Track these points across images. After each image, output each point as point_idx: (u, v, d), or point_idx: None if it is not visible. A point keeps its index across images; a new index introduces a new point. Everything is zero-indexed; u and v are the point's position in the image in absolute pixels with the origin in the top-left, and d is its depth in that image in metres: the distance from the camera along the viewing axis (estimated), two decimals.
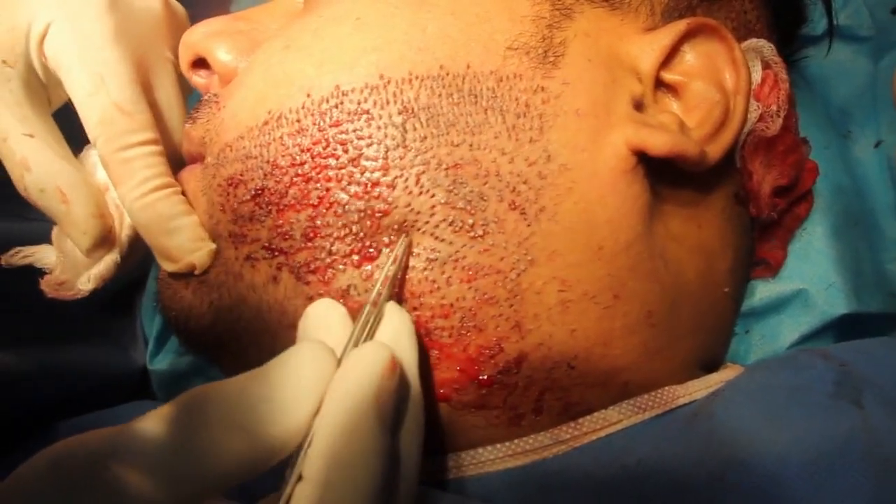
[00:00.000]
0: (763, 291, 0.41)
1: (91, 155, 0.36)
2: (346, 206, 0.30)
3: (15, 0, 0.34)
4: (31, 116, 0.34)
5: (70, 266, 0.36)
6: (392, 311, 0.28)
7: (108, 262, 0.36)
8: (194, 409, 0.23)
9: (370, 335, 0.27)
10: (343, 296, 0.30)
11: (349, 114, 0.31)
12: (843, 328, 0.41)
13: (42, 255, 0.37)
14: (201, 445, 0.22)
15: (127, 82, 0.34)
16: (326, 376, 0.24)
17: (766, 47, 0.36)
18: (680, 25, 0.33)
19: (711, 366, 0.36)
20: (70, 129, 0.35)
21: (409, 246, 0.30)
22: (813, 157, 0.41)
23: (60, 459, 0.22)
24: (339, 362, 0.25)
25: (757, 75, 0.36)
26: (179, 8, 0.40)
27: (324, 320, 0.28)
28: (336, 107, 0.31)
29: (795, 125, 0.38)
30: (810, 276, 0.40)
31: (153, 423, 0.23)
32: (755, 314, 0.41)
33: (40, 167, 0.33)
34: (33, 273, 0.37)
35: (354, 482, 0.22)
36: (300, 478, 0.23)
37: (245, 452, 0.23)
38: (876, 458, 0.28)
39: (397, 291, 0.30)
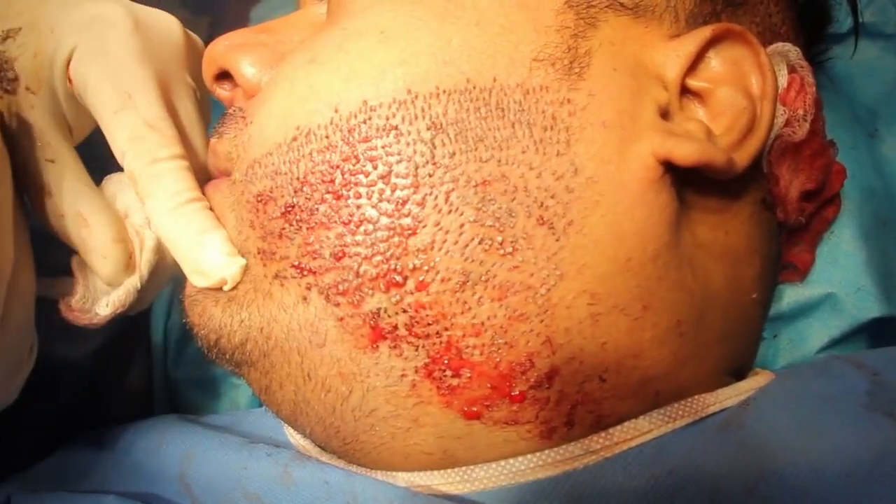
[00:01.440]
0: (791, 296, 0.41)
1: (111, 184, 0.36)
2: (377, 225, 0.30)
3: (40, 26, 0.34)
4: (54, 143, 0.34)
5: (90, 293, 0.36)
6: None
7: (128, 287, 0.35)
8: None
9: None
10: (374, 318, 0.31)
11: (378, 129, 0.31)
12: (875, 332, 0.40)
13: (60, 286, 0.37)
14: None
15: (154, 99, 0.34)
16: None
17: (792, 51, 0.36)
18: (705, 32, 0.33)
19: (740, 372, 0.36)
20: (91, 160, 0.36)
21: None
22: (840, 158, 0.41)
23: None
24: None
25: (783, 80, 0.35)
26: (197, 39, 0.40)
27: None
28: (364, 122, 0.31)
29: (822, 129, 0.38)
30: (839, 279, 0.40)
31: None
32: (783, 318, 0.41)
33: (61, 192, 0.34)
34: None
35: None
36: None
37: None
38: None
39: (423, 311, 0.30)
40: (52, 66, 0.34)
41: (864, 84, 0.47)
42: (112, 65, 0.34)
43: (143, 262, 0.36)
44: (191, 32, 0.40)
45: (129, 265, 0.35)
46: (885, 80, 0.46)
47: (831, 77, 0.47)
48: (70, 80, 0.34)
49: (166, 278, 0.37)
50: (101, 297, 0.36)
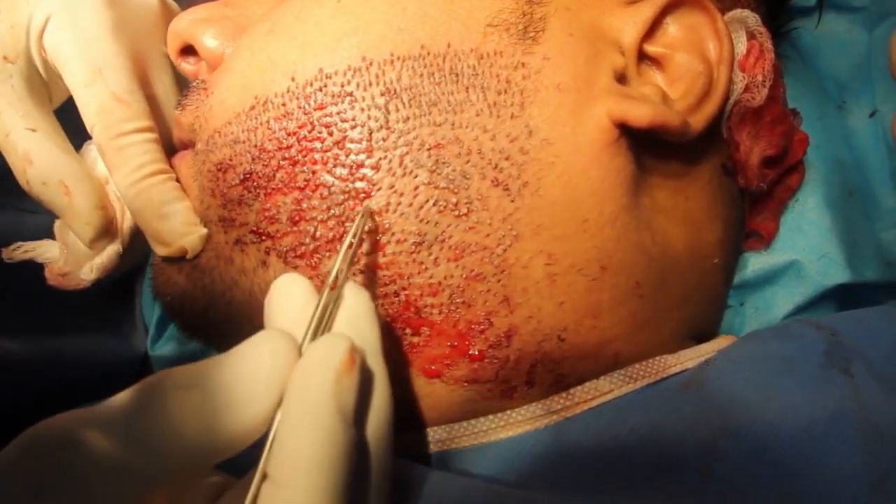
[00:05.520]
0: (756, 263, 0.41)
1: (91, 150, 0.37)
2: (332, 189, 0.31)
3: None
4: (32, 112, 0.35)
5: (73, 257, 0.37)
6: (350, 292, 0.28)
7: (110, 252, 0.36)
8: (149, 401, 0.23)
9: (330, 320, 0.27)
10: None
11: (333, 96, 0.31)
12: (840, 298, 0.41)
13: (44, 249, 0.38)
14: (153, 445, 0.23)
15: (124, 73, 0.35)
16: (285, 369, 0.24)
17: (751, 17, 0.36)
18: None
19: (704, 337, 0.36)
20: (71, 125, 0.36)
21: (370, 221, 0.30)
22: (807, 128, 0.41)
23: (32, 444, 0.22)
24: (300, 350, 0.25)
25: (742, 46, 0.36)
26: (175, 7, 0.41)
27: (287, 299, 0.28)
28: (320, 90, 0.31)
29: (783, 96, 0.38)
30: (803, 246, 0.40)
31: (111, 408, 0.23)
32: (748, 286, 0.41)
33: (43, 161, 0.34)
34: (35, 264, 0.37)
35: (321, 481, 0.23)
36: (265, 476, 0.23)
37: (202, 440, 0.23)
38: (865, 427, 0.28)
39: (380, 271, 0.30)
40: (28, 37, 0.34)
41: (832, 57, 0.47)
42: (84, 37, 0.34)
43: (125, 226, 0.36)
44: (170, 2, 0.40)
45: (111, 230, 0.36)
46: (853, 52, 0.46)
47: (800, 50, 0.47)
48: (44, 50, 0.35)
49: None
50: (84, 262, 0.37)
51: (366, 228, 0.30)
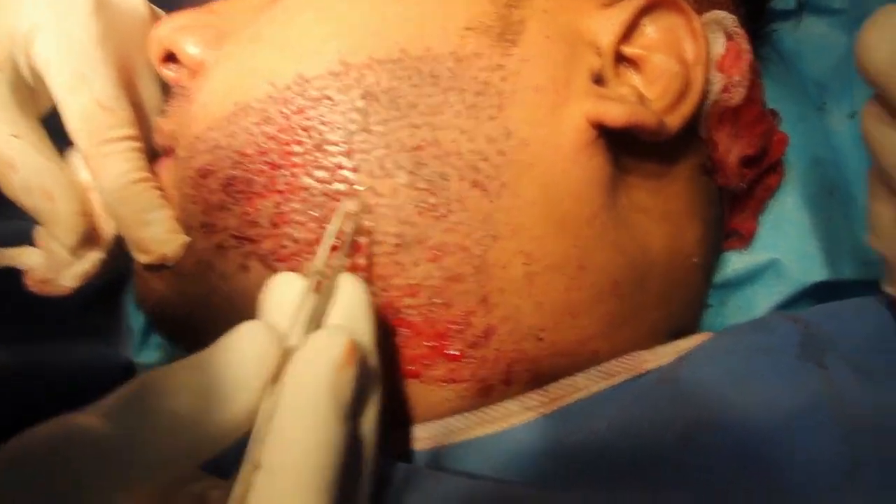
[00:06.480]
0: (736, 263, 0.41)
1: (75, 156, 0.37)
2: (312, 191, 0.31)
3: (3, 5, 0.35)
4: (17, 118, 0.35)
5: (54, 264, 0.37)
6: (346, 282, 0.28)
7: (92, 259, 0.36)
8: (136, 397, 0.23)
9: (322, 312, 0.27)
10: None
11: (312, 100, 0.31)
12: (819, 297, 0.41)
13: (25, 256, 0.38)
14: (143, 434, 0.23)
15: (109, 80, 0.35)
16: (269, 359, 0.24)
17: (728, 18, 0.36)
18: (639, 0, 0.33)
19: (682, 336, 0.36)
20: (56, 133, 0.36)
21: (357, 212, 0.30)
22: (787, 129, 0.42)
23: (21, 451, 0.22)
24: (283, 340, 0.25)
25: (720, 47, 0.36)
26: (162, 15, 0.41)
27: (281, 295, 0.28)
28: (299, 94, 0.32)
29: (761, 96, 0.38)
30: (783, 245, 0.41)
31: (95, 415, 0.23)
32: (729, 285, 0.41)
33: (26, 167, 0.34)
34: (17, 270, 0.37)
35: (315, 472, 0.23)
36: (256, 466, 0.23)
37: (188, 438, 0.23)
38: (840, 417, 0.28)
39: (360, 273, 0.31)
40: (14, 43, 0.35)
41: (813, 59, 0.47)
42: (69, 44, 0.34)
43: (108, 233, 0.36)
44: (157, 10, 0.40)
45: (93, 237, 0.36)
46: (833, 55, 0.47)
47: (780, 52, 0.48)
48: (30, 57, 0.35)
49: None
50: (65, 269, 0.36)
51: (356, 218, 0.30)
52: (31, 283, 0.37)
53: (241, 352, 0.24)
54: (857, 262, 0.41)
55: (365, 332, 0.27)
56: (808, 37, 0.47)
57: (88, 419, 0.23)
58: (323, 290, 0.27)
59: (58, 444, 0.22)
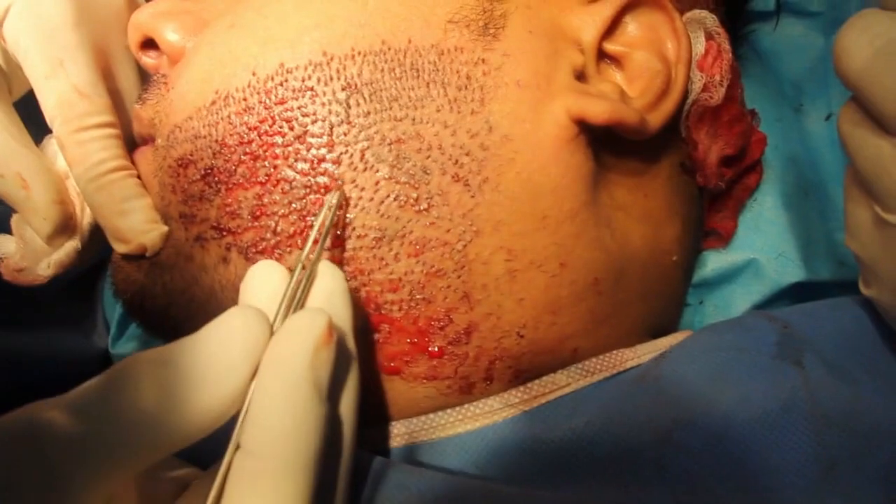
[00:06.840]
0: (715, 262, 0.42)
1: (52, 143, 0.36)
2: (293, 183, 0.31)
3: None
4: None
5: (30, 253, 0.36)
6: (325, 270, 0.28)
7: (68, 248, 0.36)
8: (124, 379, 0.23)
9: (303, 297, 0.27)
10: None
11: (294, 91, 0.31)
12: (796, 297, 0.41)
13: (1, 245, 0.37)
14: (131, 415, 0.22)
15: (86, 66, 0.34)
16: (258, 343, 0.24)
17: (709, 18, 0.37)
18: None
19: (662, 334, 0.37)
20: (32, 118, 0.35)
21: (343, 203, 0.30)
22: (765, 129, 0.42)
23: None
24: (272, 327, 0.25)
25: (700, 46, 0.36)
26: (142, 1, 0.40)
27: (263, 281, 0.28)
28: (281, 84, 0.31)
29: (741, 96, 0.39)
30: (761, 245, 0.41)
31: (59, 408, 0.23)
32: (708, 285, 0.42)
33: (0, 153, 0.33)
34: None
35: (294, 452, 0.23)
36: (238, 447, 0.23)
37: (174, 417, 0.23)
38: (816, 416, 0.29)
39: (346, 263, 0.31)
40: None
41: (790, 60, 0.48)
42: (45, 28, 0.34)
43: (84, 222, 0.36)
44: None
45: (69, 226, 0.35)
46: (810, 56, 0.47)
47: (759, 52, 0.48)
48: (4, 40, 0.34)
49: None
50: (41, 258, 0.36)
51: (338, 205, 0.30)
52: (6, 272, 0.36)
53: (231, 335, 0.24)
54: (832, 262, 0.42)
55: (343, 316, 0.27)
56: (786, 38, 0.48)
57: (52, 413, 0.22)
58: (303, 279, 0.27)
59: (21, 436, 0.22)
